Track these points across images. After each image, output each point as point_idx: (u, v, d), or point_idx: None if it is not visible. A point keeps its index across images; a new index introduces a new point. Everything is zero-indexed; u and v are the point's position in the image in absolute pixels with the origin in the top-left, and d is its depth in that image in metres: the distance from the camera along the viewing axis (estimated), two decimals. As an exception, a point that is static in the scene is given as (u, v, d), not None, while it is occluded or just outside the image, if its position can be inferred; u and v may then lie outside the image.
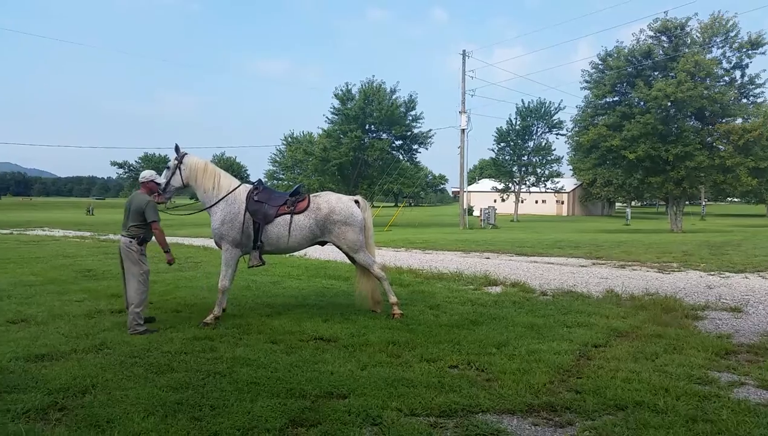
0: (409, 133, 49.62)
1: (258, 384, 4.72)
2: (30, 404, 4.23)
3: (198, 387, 4.66)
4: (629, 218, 55.83)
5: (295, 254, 10.73)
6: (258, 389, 4.62)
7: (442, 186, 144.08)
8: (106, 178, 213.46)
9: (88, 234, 25.73)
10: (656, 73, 35.16)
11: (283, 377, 4.89)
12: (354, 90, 49.06)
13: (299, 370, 5.12)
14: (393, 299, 7.62)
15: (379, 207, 55.44)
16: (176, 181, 7.46)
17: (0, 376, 4.90)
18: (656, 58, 34.52)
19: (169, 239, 18.60)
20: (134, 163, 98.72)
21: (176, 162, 7.47)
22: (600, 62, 37.08)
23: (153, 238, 6.98)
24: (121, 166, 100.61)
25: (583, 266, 13.64)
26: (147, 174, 7.13)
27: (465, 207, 42.97)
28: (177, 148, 7.56)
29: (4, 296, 8.76)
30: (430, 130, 50.46)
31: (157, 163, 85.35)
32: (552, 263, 14.30)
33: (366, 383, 4.74)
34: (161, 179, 7.24)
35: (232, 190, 7.44)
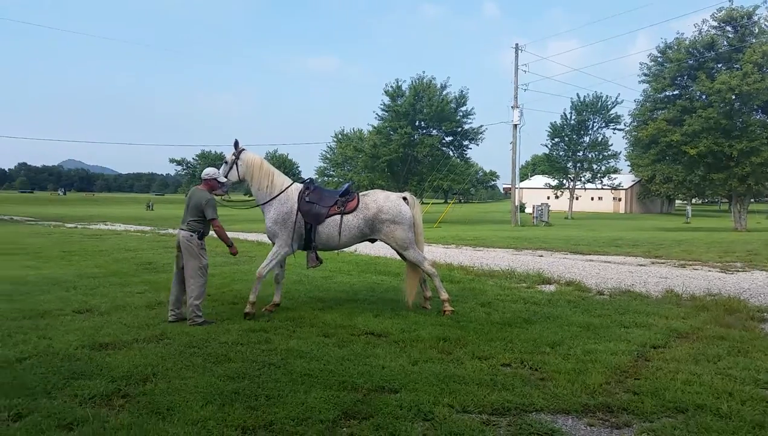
0: (459, 129, 49.26)
1: (311, 376, 4.80)
2: (95, 390, 4.42)
3: (254, 377, 4.78)
4: (690, 215, 53.74)
5: (346, 249, 10.84)
6: (311, 380, 4.69)
7: (492, 183, 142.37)
8: (165, 174, 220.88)
9: (148, 229, 26.71)
10: (720, 66, 33.63)
11: (335, 370, 4.96)
12: (404, 86, 49.07)
13: (351, 363, 5.17)
14: (444, 295, 7.59)
15: (428, 204, 55.29)
16: (233, 175, 7.65)
17: (67, 363, 5.15)
18: (720, 50, 33.03)
19: (224, 234, 18.74)
20: (192, 160, 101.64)
21: (234, 157, 7.66)
22: (659, 55, 35.75)
23: (212, 232, 7.18)
24: (179, 163, 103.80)
25: (641, 265, 13.23)
26: (210, 171, 7.29)
27: (517, 204, 42.36)
28: (236, 144, 7.73)
29: (70, 287, 9.19)
30: (481, 126, 50.03)
31: (213, 160, 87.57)
32: (609, 262, 13.94)
33: (417, 379, 4.75)
34: (223, 178, 7.41)
35: (285, 189, 7.56)
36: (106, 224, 30.76)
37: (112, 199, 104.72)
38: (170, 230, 24.74)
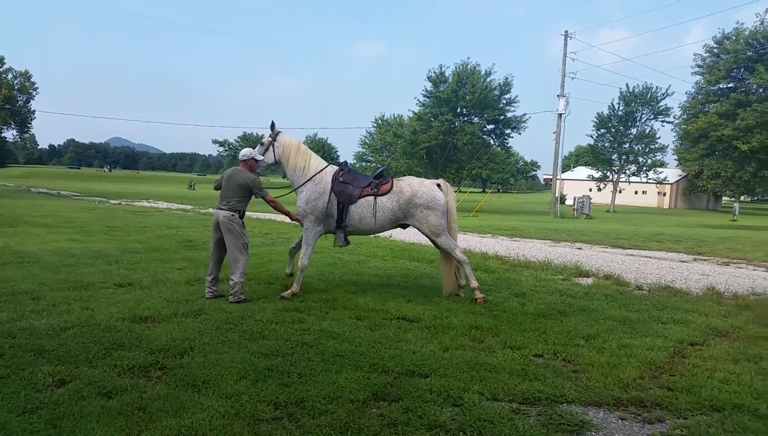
0: (501, 117, 48.66)
1: (343, 357, 4.86)
2: (134, 362, 4.57)
3: (287, 355, 4.86)
4: (737, 213, 51.95)
5: (380, 235, 10.88)
6: (343, 361, 4.75)
7: (533, 173, 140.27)
8: (207, 155, 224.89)
9: (189, 207, 27.30)
10: (780, 58, 32.37)
11: (366, 352, 5.00)
12: (447, 72, 48.62)
13: (382, 347, 5.21)
14: (474, 283, 7.54)
15: (466, 193, 54.89)
16: (269, 157, 7.74)
17: (108, 334, 5.33)
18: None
19: (260, 216, 19.31)
20: (233, 141, 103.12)
21: (270, 139, 7.74)
22: (715, 45, 34.58)
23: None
24: (221, 144, 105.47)
25: (683, 262, 12.89)
26: (247, 152, 7.42)
27: (557, 195, 41.69)
28: (272, 126, 7.81)
29: (113, 261, 9.48)
30: (524, 115, 49.31)
31: (254, 142, 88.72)
32: (649, 257, 13.62)
33: (448, 365, 4.76)
34: (260, 157, 7.53)
35: (320, 171, 7.61)
36: (149, 202, 31.57)
37: (156, 178, 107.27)
38: (210, 210, 25.22)
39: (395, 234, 14.30)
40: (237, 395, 3.97)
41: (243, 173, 7.16)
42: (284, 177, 8.60)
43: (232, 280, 6.89)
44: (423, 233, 7.74)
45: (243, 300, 6.82)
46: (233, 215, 7.01)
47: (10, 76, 78.32)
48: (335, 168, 7.76)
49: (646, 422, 3.89)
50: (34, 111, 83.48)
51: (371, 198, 7.45)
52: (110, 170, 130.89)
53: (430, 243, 8.51)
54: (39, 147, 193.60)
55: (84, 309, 6.16)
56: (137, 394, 3.95)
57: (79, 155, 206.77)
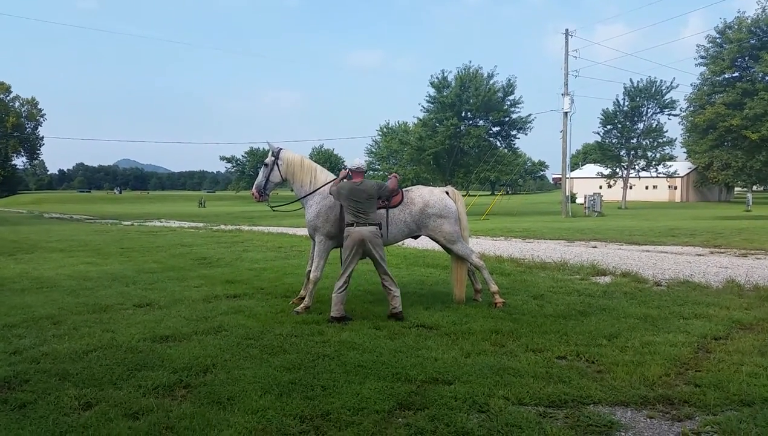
0: (507, 119, 48.59)
1: (365, 368, 4.85)
2: (158, 381, 4.58)
3: (309, 368, 4.86)
4: (750, 203, 51.43)
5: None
6: (365, 372, 4.74)
7: (541, 173, 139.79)
8: (215, 172, 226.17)
9: (201, 225, 27.46)
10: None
11: (388, 362, 4.99)
12: (450, 77, 48.68)
13: (403, 355, 5.20)
14: (494, 287, 7.51)
15: (475, 196, 54.80)
16: (275, 176, 7.61)
17: (131, 355, 5.35)
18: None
19: (273, 230, 19.33)
20: (241, 157, 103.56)
21: (273, 158, 7.61)
22: (718, 35, 34.42)
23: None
24: (229, 160, 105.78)
25: (700, 255, 12.78)
26: (362, 163, 7.17)
27: (567, 194, 41.47)
28: (270, 145, 7.71)
29: (130, 282, 9.53)
30: (529, 115, 49.19)
31: (262, 156, 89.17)
32: (666, 252, 13.52)
33: (471, 371, 4.74)
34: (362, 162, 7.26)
35: (328, 183, 7.55)
36: (161, 221, 31.77)
37: (166, 197, 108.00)
38: (222, 226, 25.33)
39: (408, 242, 14.27)
40: (262, 410, 3.97)
41: (367, 184, 6.95)
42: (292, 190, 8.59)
43: (392, 293, 6.80)
44: (438, 243, 7.70)
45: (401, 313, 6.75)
46: (377, 229, 6.87)
47: (17, 104, 79.31)
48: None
49: (675, 420, 3.85)
50: (43, 137, 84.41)
51: (383, 211, 7.39)
52: (120, 192, 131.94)
53: (444, 250, 8.49)
54: (49, 172, 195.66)
55: (105, 331, 6.19)
56: (163, 413, 3.96)
57: (89, 179, 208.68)
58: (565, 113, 38.33)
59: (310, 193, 7.49)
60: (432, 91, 49.46)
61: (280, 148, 7.71)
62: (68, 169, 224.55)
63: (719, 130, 33.34)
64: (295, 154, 7.78)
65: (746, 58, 33.35)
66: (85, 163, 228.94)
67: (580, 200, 58.02)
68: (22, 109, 79.97)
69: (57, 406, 4.12)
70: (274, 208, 8.50)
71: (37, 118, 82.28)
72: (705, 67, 35.20)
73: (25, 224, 31.88)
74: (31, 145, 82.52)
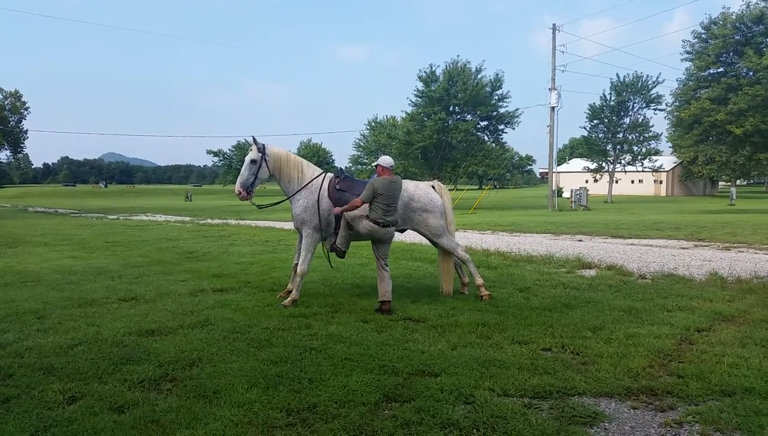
0: (494, 114, 48.69)
1: (352, 360, 4.86)
2: (144, 375, 4.56)
3: (296, 361, 4.87)
4: (734, 197, 52.05)
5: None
6: (352, 364, 4.75)
7: (528, 167, 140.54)
8: (202, 166, 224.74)
9: (187, 219, 27.27)
10: (769, 40, 32.46)
11: (375, 354, 5.01)
12: (438, 71, 48.64)
13: (390, 348, 5.21)
14: (479, 280, 7.55)
15: (463, 190, 54.92)
16: (263, 173, 7.47)
17: (116, 349, 5.32)
18: (769, 23, 31.84)
19: (261, 224, 19.28)
20: (228, 151, 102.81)
21: (260, 154, 7.46)
22: (703, 31, 34.68)
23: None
24: (216, 154, 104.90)
25: (684, 248, 12.93)
26: (391, 160, 7.22)
27: (554, 188, 41.72)
28: (255, 140, 7.54)
29: (116, 276, 9.46)
30: (516, 110, 49.29)
31: (248, 151, 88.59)
32: (650, 245, 13.65)
33: (457, 363, 4.77)
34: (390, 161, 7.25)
35: (315, 178, 7.52)
36: (147, 215, 31.52)
37: (152, 191, 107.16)
38: (209, 220, 25.17)
39: (395, 235, 14.30)
40: (249, 404, 3.97)
41: (398, 180, 7.09)
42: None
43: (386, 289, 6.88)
44: (424, 236, 7.73)
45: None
46: (393, 229, 7.16)
47: (0, 96, 78.17)
48: (331, 175, 7.70)
49: (658, 411, 3.90)
50: (27, 130, 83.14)
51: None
52: (106, 186, 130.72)
53: (431, 243, 8.51)
54: (33, 166, 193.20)
55: (90, 326, 6.14)
56: (149, 407, 3.95)
57: (74, 172, 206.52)
58: (552, 108, 38.51)
59: (300, 190, 7.45)
60: (420, 86, 49.42)
61: (264, 144, 7.58)
62: (53, 163, 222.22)
63: (704, 125, 33.60)
64: (280, 148, 7.70)
65: (731, 54, 33.62)
66: (70, 157, 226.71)
67: (566, 194, 58.40)
68: (6, 102, 78.81)
69: (41, 400, 4.09)
70: (260, 207, 8.45)
71: (21, 111, 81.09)
72: (690, 63, 35.44)
73: (9, 217, 31.51)
74: (15, 139, 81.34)
